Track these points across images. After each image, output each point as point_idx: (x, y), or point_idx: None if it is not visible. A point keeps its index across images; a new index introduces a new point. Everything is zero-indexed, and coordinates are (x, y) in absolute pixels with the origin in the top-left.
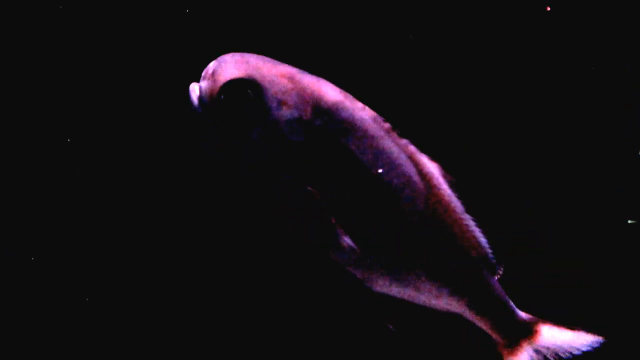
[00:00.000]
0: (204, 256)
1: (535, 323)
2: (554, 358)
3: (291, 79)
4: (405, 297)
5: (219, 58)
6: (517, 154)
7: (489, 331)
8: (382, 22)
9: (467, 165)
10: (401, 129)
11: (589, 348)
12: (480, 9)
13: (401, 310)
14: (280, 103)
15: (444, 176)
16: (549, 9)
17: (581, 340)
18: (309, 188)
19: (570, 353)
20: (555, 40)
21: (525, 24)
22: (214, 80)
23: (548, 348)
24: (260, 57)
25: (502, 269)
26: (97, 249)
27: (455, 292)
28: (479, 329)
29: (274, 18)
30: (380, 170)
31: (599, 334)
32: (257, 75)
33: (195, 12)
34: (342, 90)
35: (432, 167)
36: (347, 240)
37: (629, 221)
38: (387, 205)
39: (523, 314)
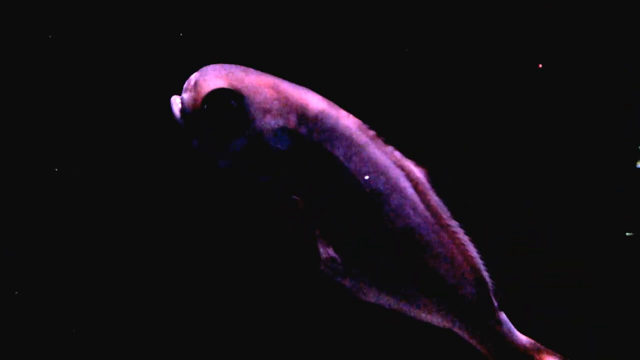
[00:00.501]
0: (200, 257)
1: (538, 351)
2: None
3: (274, 88)
4: (396, 308)
5: (201, 69)
6: (517, 154)
7: (484, 352)
8: (367, 26)
9: (466, 166)
10: (389, 134)
11: None
12: (479, 9)
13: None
14: (264, 112)
15: (431, 181)
16: (540, 66)
17: None
18: (294, 197)
19: None
20: (554, 40)
21: (524, 24)
22: (197, 92)
23: None
24: (243, 67)
25: (494, 282)
26: (97, 249)
27: (445, 304)
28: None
29: (258, 29)
30: (366, 177)
31: None
32: (239, 85)
33: (180, 24)
34: (326, 99)
35: (418, 173)
36: (329, 252)
37: (627, 233)
38: (375, 212)
39: (523, 338)
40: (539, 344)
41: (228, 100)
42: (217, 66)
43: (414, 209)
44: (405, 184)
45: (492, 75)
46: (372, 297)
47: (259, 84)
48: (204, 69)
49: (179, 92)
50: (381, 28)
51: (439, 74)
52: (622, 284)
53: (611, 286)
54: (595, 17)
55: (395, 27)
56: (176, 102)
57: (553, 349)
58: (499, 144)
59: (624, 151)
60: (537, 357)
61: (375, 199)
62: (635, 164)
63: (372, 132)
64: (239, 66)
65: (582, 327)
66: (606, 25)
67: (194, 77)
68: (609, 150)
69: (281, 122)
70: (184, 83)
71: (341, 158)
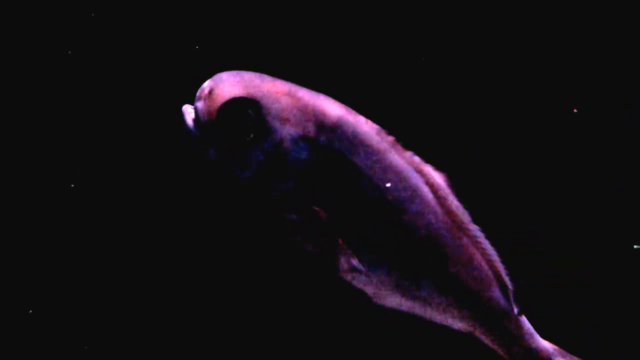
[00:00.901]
0: (203, 262)
1: (563, 356)
2: None
3: (292, 95)
4: (417, 312)
5: (215, 77)
6: (516, 154)
7: (506, 357)
8: (376, 29)
9: (466, 166)
10: (404, 139)
11: None
12: (478, 9)
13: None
14: (283, 121)
15: (451, 186)
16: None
17: None
18: (316, 208)
19: None
20: (554, 40)
21: (523, 24)
22: (212, 100)
23: None
24: (258, 74)
25: (515, 286)
26: (96, 249)
27: (466, 309)
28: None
29: (266, 35)
30: (388, 185)
31: None
32: (256, 93)
33: (186, 31)
34: (343, 105)
35: (438, 178)
36: (354, 262)
37: (635, 246)
38: (396, 220)
39: (546, 344)
40: (562, 350)
41: (245, 109)
42: (232, 73)
43: (435, 214)
44: (425, 189)
45: (492, 75)
46: (393, 302)
47: (275, 92)
48: (218, 76)
49: (185, 97)
50: (390, 30)
51: (452, 78)
52: (622, 284)
53: (611, 286)
54: (595, 17)
55: (404, 28)
56: (188, 112)
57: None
58: (515, 147)
59: (625, 151)
60: None
61: (397, 206)
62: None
63: (391, 138)
64: (253, 73)
65: (598, 331)
66: (606, 25)
67: (207, 85)
68: (609, 150)
69: (301, 131)
70: (189, 87)
71: (362, 166)
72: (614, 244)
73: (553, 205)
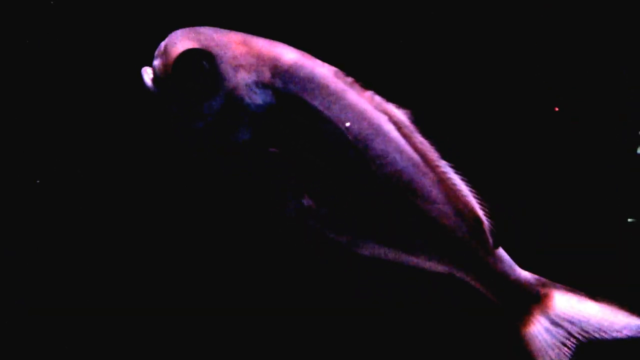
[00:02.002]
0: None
1: (543, 285)
2: (583, 337)
3: (245, 43)
4: (393, 258)
5: (169, 35)
6: (515, 154)
7: (487, 293)
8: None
9: (464, 165)
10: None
11: (637, 334)
12: (478, 8)
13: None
14: (237, 68)
15: (416, 124)
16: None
17: (622, 320)
18: (272, 150)
19: (609, 334)
20: (552, 40)
21: (522, 24)
22: (167, 56)
23: (571, 322)
24: (212, 28)
25: (492, 220)
26: (95, 249)
27: (442, 246)
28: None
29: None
30: (347, 124)
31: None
32: (209, 44)
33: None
34: (299, 50)
35: (401, 115)
36: (316, 203)
37: (629, 219)
38: (360, 159)
39: (526, 274)
40: (543, 279)
41: (199, 60)
42: (186, 29)
43: (400, 152)
44: (388, 127)
45: (492, 75)
46: (367, 249)
47: (228, 41)
48: (172, 34)
49: None
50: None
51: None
52: (623, 270)
53: (610, 285)
54: (595, 17)
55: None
56: (147, 72)
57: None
58: (497, 144)
59: (625, 137)
60: (543, 292)
61: (359, 145)
62: (635, 150)
63: (349, 79)
64: (208, 27)
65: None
66: (606, 25)
67: (163, 43)
68: (609, 136)
69: (255, 77)
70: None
71: (320, 107)
72: (613, 242)
73: (550, 205)
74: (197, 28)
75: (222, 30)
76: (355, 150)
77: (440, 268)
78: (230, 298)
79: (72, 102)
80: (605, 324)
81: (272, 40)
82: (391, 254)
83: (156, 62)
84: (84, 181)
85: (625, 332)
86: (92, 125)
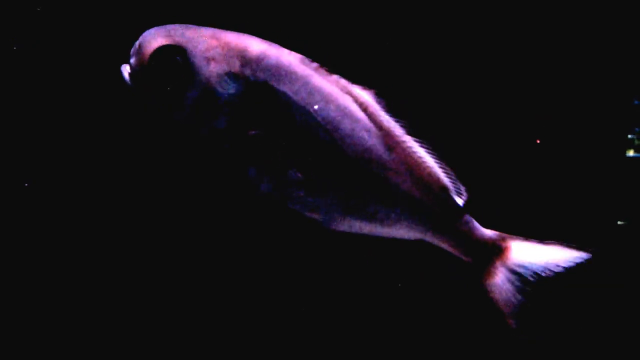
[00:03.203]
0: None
1: (503, 239)
2: (534, 278)
3: (214, 37)
4: (368, 231)
5: (143, 34)
6: (513, 154)
7: (456, 253)
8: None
9: (462, 165)
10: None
11: (573, 264)
12: (479, 8)
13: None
14: (208, 60)
15: (380, 102)
16: (538, 141)
17: (563, 256)
18: (252, 132)
19: (552, 271)
20: (551, 39)
21: (522, 23)
22: (142, 53)
23: (524, 267)
24: (183, 25)
25: (461, 188)
26: (94, 249)
27: (413, 215)
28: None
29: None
30: (315, 107)
31: (579, 248)
32: (181, 39)
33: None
34: (266, 41)
35: (366, 96)
36: (294, 173)
37: (619, 222)
38: (329, 140)
39: (489, 232)
40: (504, 234)
41: (173, 55)
42: (158, 27)
43: (367, 130)
44: (354, 107)
45: (492, 75)
46: (343, 225)
47: (199, 36)
48: (146, 32)
49: None
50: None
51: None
52: (614, 272)
53: (602, 275)
54: (595, 17)
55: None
56: (126, 69)
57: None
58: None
59: (615, 140)
60: (505, 245)
61: (328, 126)
62: (625, 153)
63: (315, 64)
64: (179, 24)
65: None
66: (606, 25)
67: (138, 41)
68: (599, 138)
69: (226, 68)
70: None
71: (288, 92)
72: (606, 232)
73: (546, 206)
74: (169, 26)
75: (193, 26)
76: (325, 130)
77: (411, 235)
78: (226, 292)
79: (58, 101)
80: (551, 262)
81: (240, 33)
82: (366, 228)
83: (132, 60)
84: (83, 181)
85: (562, 265)
86: (78, 123)
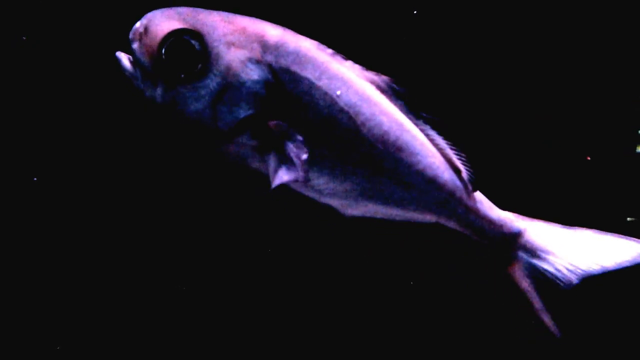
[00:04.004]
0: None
1: (523, 221)
2: (561, 266)
3: (230, 22)
4: (383, 214)
5: (146, 16)
6: (515, 153)
7: (472, 235)
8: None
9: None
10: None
11: (629, 260)
12: (481, 8)
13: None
14: (228, 45)
15: (394, 88)
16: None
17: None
18: (272, 122)
19: (589, 264)
20: (564, 37)
21: (523, 23)
22: (150, 38)
23: (549, 253)
24: (190, 7)
25: (470, 170)
26: (93, 248)
27: (428, 196)
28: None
29: None
30: (338, 93)
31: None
32: (195, 22)
33: None
34: (279, 26)
35: (382, 82)
36: (316, 161)
37: (628, 218)
38: (352, 124)
39: (504, 212)
40: (520, 215)
41: (188, 40)
42: (163, 9)
43: (385, 114)
44: (373, 92)
45: (492, 75)
46: (359, 210)
47: (213, 20)
48: (150, 14)
49: None
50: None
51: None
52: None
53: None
54: (595, 17)
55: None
56: (124, 57)
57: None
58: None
59: (624, 136)
60: (522, 227)
61: (350, 111)
62: (635, 149)
63: (330, 50)
64: (185, 7)
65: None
66: (606, 25)
67: (140, 24)
68: (609, 135)
69: (247, 53)
70: None
71: (311, 78)
72: (607, 215)
73: (550, 205)
74: (176, 8)
75: (201, 9)
76: (348, 116)
77: (427, 217)
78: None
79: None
80: (582, 251)
81: (252, 18)
82: (382, 211)
83: (136, 46)
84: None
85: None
86: (75, 121)
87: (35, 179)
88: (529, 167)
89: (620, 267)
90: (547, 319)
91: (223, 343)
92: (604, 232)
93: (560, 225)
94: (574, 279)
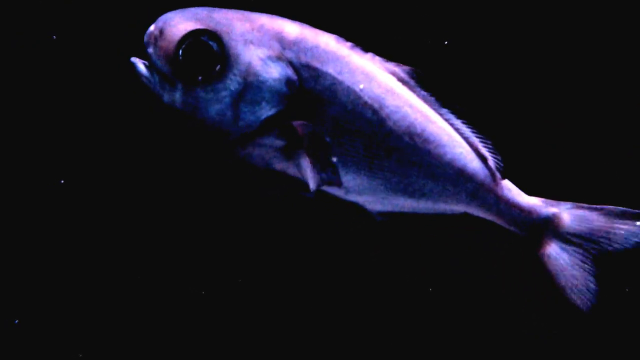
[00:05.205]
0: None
1: (553, 206)
2: (595, 249)
3: (247, 20)
4: (410, 209)
5: (160, 19)
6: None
7: (502, 223)
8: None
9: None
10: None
11: None
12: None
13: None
14: (246, 44)
15: (416, 78)
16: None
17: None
18: (293, 123)
19: (618, 243)
20: (554, 40)
21: (525, 23)
22: (166, 40)
23: (583, 237)
24: (205, 7)
25: (498, 158)
26: (93, 248)
27: (457, 186)
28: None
29: None
30: (361, 86)
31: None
32: (211, 23)
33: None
34: (297, 22)
35: (402, 73)
36: (342, 159)
37: (637, 223)
38: (378, 117)
39: (533, 198)
40: (549, 200)
41: (206, 41)
42: (177, 11)
43: (410, 105)
44: (395, 84)
45: (494, 75)
46: (387, 205)
47: (229, 19)
48: (164, 16)
49: None
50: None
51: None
52: (630, 275)
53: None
54: (595, 17)
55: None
56: (139, 61)
57: None
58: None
59: (633, 140)
60: (552, 212)
61: (375, 104)
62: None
63: (349, 43)
64: (199, 7)
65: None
66: (606, 25)
67: (155, 27)
68: (616, 136)
69: (267, 51)
70: None
71: (333, 73)
72: None
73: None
74: (190, 9)
75: (216, 8)
76: (372, 109)
77: (455, 208)
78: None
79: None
80: (615, 233)
81: (268, 14)
82: (410, 204)
83: (152, 50)
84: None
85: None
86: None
87: (62, 181)
88: (535, 170)
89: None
90: (577, 300)
91: (241, 345)
92: (629, 209)
93: (587, 205)
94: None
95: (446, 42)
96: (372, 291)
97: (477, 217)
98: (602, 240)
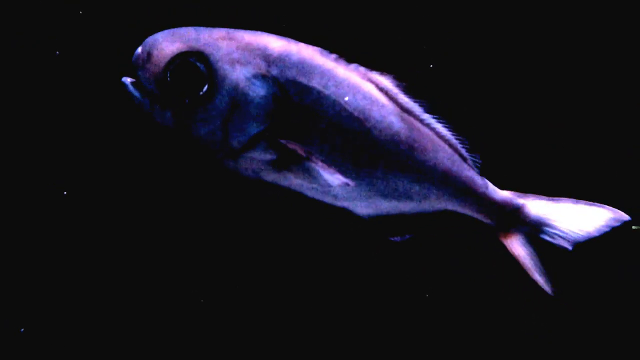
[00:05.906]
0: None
1: (520, 198)
2: (556, 237)
3: (231, 38)
4: (397, 211)
5: (146, 41)
6: (518, 153)
7: (478, 216)
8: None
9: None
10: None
11: (606, 226)
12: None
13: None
14: (232, 64)
15: (398, 85)
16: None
17: (593, 215)
18: (283, 141)
19: (580, 232)
20: (554, 40)
21: (525, 23)
22: (154, 63)
23: (546, 225)
24: (191, 27)
25: (476, 156)
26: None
27: (440, 188)
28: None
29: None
30: (346, 99)
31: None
32: (197, 44)
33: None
34: (281, 37)
35: (386, 81)
36: (337, 177)
37: (633, 227)
38: (363, 129)
39: (506, 192)
40: (519, 193)
41: (193, 62)
42: (163, 32)
43: (394, 114)
44: (378, 94)
45: (494, 75)
46: (373, 209)
47: (214, 39)
48: (151, 38)
49: None
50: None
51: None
52: (628, 278)
53: (616, 280)
54: (595, 17)
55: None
56: (129, 84)
57: None
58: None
59: (631, 143)
60: (521, 203)
61: (360, 115)
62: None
63: (333, 55)
64: (185, 27)
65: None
66: (606, 25)
67: (142, 50)
68: (615, 139)
69: (252, 69)
70: None
71: (319, 87)
72: (620, 237)
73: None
74: (176, 29)
75: (202, 28)
76: (357, 120)
77: (436, 206)
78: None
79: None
80: (575, 222)
81: (253, 31)
82: (396, 207)
83: (141, 72)
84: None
85: (593, 226)
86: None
87: (65, 193)
88: (532, 170)
89: (600, 233)
90: (542, 282)
91: (241, 345)
92: (581, 200)
93: (547, 198)
94: (567, 245)
95: (431, 66)
96: (372, 291)
97: (458, 213)
98: (560, 227)
